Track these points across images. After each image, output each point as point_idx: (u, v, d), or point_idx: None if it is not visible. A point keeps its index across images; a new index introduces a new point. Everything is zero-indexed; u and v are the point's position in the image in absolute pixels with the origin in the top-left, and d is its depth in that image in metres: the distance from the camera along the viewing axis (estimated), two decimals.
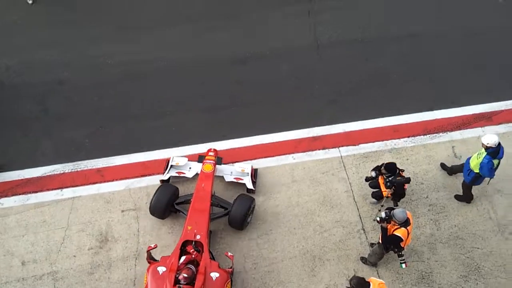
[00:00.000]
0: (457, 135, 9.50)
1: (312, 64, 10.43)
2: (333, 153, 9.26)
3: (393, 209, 7.21)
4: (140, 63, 10.36)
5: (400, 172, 7.98)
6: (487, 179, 8.09)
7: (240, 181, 8.65)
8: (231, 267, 7.46)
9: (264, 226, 8.47)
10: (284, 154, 9.23)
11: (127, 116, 9.73)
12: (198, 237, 7.49)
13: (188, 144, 9.36)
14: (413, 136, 9.47)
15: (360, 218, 8.52)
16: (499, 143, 7.72)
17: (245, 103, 9.90)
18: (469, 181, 8.19)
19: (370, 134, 9.49)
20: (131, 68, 10.28)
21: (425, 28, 10.95)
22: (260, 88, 10.10)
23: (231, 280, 7.36)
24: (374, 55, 10.55)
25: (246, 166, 8.79)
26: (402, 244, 7.20)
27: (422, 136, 9.47)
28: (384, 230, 7.15)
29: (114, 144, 9.35)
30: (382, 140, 9.41)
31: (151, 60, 10.42)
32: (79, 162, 9.18)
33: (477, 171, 7.88)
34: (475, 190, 8.63)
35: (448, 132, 9.51)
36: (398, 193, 7.99)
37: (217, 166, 8.56)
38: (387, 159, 9.04)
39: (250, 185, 8.59)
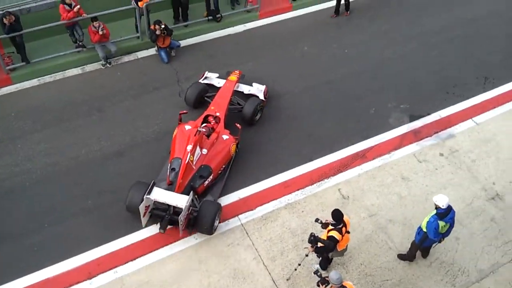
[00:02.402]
0: (339, 177, 10.06)
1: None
2: (233, 223, 9.16)
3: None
4: (6, 178, 9.53)
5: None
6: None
7: (255, 94, 11.05)
8: (238, 135, 9.88)
9: None
10: (184, 238, 8.90)
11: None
12: (217, 113, 10.07)
13: (76, 254, 8.53)
14: (303, 188, 9.83)
15: (274, 281, 8.42)
16: (450, 207, 7.82)
17: None
18: (418, 240, 8.29)
19: (264, 195, 9.65)
20: None
21: (290, 85, 11.80)
22: (144, 175, 9.73)
23: (238, 145, 9.94)
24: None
25: (261, 86, 11.20)
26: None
27: (310, 186, 9.87)
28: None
29: None
30: (276, 198, 9.60)
31: (18, 172, 9.64)
32: None
33: (425, 230, 8.03)
34: (370, 223, 9.17)
35: (331, 177, 10.06)
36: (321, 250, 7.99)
37: (239, 82, 11.11)
38: (284, 216, 9.26)
39: (262, 96, 10.97)
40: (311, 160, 10.34)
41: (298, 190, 9.80)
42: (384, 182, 10.02)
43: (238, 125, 9.94)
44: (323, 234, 7.81)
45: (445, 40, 13.46)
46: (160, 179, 9.11)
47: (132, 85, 11.59)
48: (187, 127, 9.63)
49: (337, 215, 7.62)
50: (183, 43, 12.65)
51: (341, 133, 10.91)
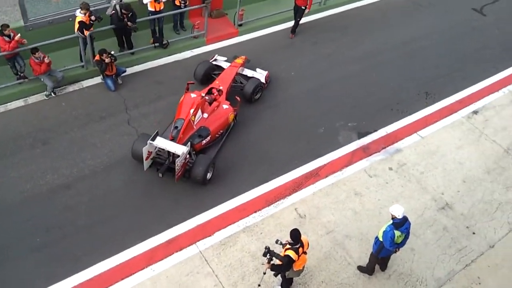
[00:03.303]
0: (295, 197, 10.11)
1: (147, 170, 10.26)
2: (191, 251, 8.92)
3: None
4: None
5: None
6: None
7: (257, 76, 12.22)
8: (237, 106, 11.18)
9: None
10: (140, 270, 8.57)
11: None
12: (221, 87, 11.34)
13: None
14: (260, 210, 9.78)
15: None
16: (406, 218, 7.98)
17: (80, 227, 9.06)
18: (375, 250, 8.39)
19: (221, 220, 9.50)
20: None
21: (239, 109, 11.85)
22: (93, 208, 9.42)
23: (236, 115, 11.23)
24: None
25: (264, 71, 12.48)
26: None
27: (267, 208, 9.84)
28: None
29: None
30: (234, 222, 9.47)
31: None
32: None
33: (382, 239, 8.13)
34: (328, 240, 9.22)
35: (287, 197, 10.09)
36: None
37: (244, 67, 12.40)
38: (243, 239, 9.14)
39: (263, 80, 12.15)
40: (266, 181, 10.33)
41: (255, 212, 9.73)
42: (338, 199, 10.16)
43: (238, 97, 11.36)
44: (281, 253, 7.76)
45: (386, 60, 14.06)
46: (165, 136, 10.05)
47: (78, 115, 11.22)
48: (193, 95, 10.80)
49: (295, 234, 7.60)
50: (130, 70, 12.46)
51: (294, 153, 11.02)
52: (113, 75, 11.85)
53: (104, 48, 11.46)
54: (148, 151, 9.68)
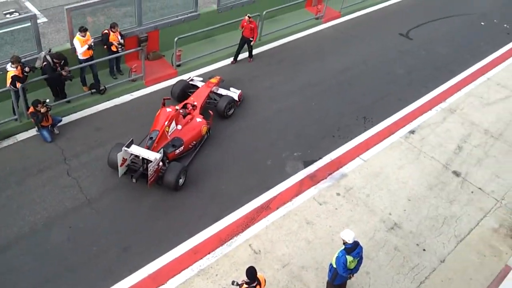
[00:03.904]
0: (248, 233, 10.01)
1: (89, 220, 9.84)
2: None
3: None
4: None
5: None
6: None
7: (230, 94, 13.01)
8: (210, 119, 12.02)
9: None
10: None
11: None
12: (195, 103, 12.19)
13: None
14: (213, 250, 9.58)
15: None
16: (357, 243, 8.07)
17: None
18: (330, 278, 8.36)
19: (174, 266, 9.19)
20: None
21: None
22: (36, 268, 8.88)
23: (209, 128, 12.01)
24: (155, 190, 10.62)
25: (237, 90, 13.30)
26: None
27: (221, 247, 9.66)
28: None
29: None
30: (188, 267, 9.20)
31: None
32: None
33: (335, 266, 8.14)
34: (284, 274, 9.12)
35: (240, 234, 9.96)
36: None
37: (219, 86, 13.25)
38: (198, 283, 8.89)
39: (236, 98, 12.97)
40: (217, 220, 10.18)
41: (208, 253, 9.52)
42: (291, 230, 10.16)
43: (210, 111, 12.23)
44: None
45: (324, 89, 14.49)
46: (140, 146, 10.59)
47: (14, 171, 10.66)
48: (168, 109, 11.47)
49: (251, 272, 7.50)
50: (67, 119, 12.08)
51: (243, 188, 10.97)
52: (49, 126, 11.44)
53: (38, 99, 11.08)
54: (123, 158, 10.23)
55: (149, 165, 9.98)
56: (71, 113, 12.34)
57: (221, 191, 10.86)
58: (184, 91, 13.04)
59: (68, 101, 12.43)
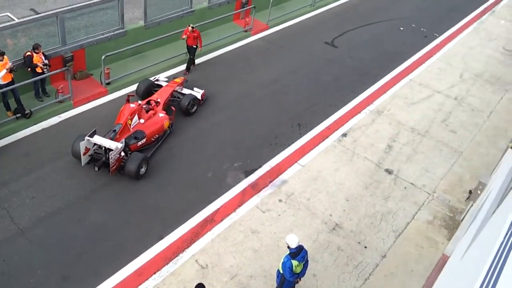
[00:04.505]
0: (194, 248, 9.89)
1: (23, 251, 9.27)
2: None
3: None
4: None
5: None
6: None
7: (193, 94, 13.63)
8: (172, 114, 12.72)
9: None
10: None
11: None
12: (158, 100, 12.78)
13: None
14: (159, 270, 9.35)
15: None
16: (302, 247, 8.20)
17: None
18: (278, 284, 8.39)
19: None
20: None
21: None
22: None
23: (171, 124, 12.67)
24: (91, 214, 10.19)
25: (200, 90, 13.91)
26: None
27: (166, 266, 9.45)
28: None
29: None
30: None
31: None
32: None
33: (282, 271, 8.19)
34: (233, 286, 9.07)
35: (186, 250, 9.82)
36: None
37: (183, 86, 13.96)
38: None
39: (199, 97, 13.66)
40: (161, 238, 9.98)
41: (154, 273, 9.28)
42: (237, 241, 10.15)
43: (173, 107, 12.93)
44: None
45: (258, 99, 14.69)
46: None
47: None
48: (132, 105, 12.00)
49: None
50: None
51: (186, 203, 10.84)
52: None
53: None
54: (86, 147, 10.89)
55: (110, 153, 10.58)
56: None
57: (163, 208, 10.66)
58: (149, 89, 13.61)
59: None
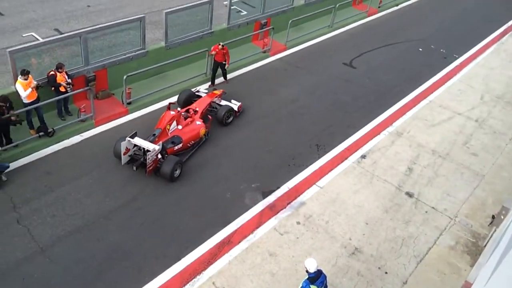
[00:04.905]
0: (211, 270, 9.83)
1: (43, 270, 9.32)
2: None
3: None
4: None
5: None
6: None
7: (230, 105, 14.24)
8: (209, 123, 13.50)
9: None
10: None
11: None
12: (197, 109, 13.47)
13: None
14: None
15: None
16: (320, 271, 8.12)
17: None
18: None
19: None
20: None
21: (137, 187, 11.45)
22: None
23: (207, 132, 13.34)
24: (109, 234, 10.24)
25: (237, 102, 14.49)
26: None
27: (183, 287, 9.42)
28: None
29: None
30: None
31: None
32: None
33: None
34: None
35: (203, 272, 9.76)
36: None
37: (221, 98, 14.59)
38: None
39: (236, 108, 14.25)
40: (178, 259, 9.94)
41: None
42: (255, 263, 10.06)
43: (209, 116, 13.80)
44: None
45: (275, 121, 14.68)
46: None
47: None
48: (172, 112, 12.85)
49: None
50: (15, 164, 11.55)
51: (203, 224, 10.82)
52: None
53: None
54: (126, 148, 11.66)
55: (147, 154, 11.23)
56: (19, 158, 11.82)
57: (180, 229, 10.65)
58: (189, 99, 14.32)
59: (16, 146, 11.91)
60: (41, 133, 12.35)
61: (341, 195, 12.14)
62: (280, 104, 15.52)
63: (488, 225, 11.45)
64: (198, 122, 13.06)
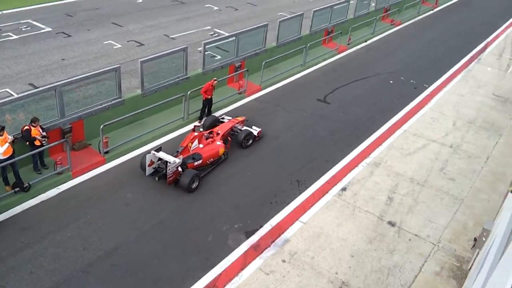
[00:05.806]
0: None
1: None
2: None
3: None
4: None
5: None
6: None
7: (250, 130, 15.53)
8: (228, 144, 14.87)
9: None
10: None
11: None
12: (219, 131, 14.94)
13: None
14: None
15: None
16: None
17: None
18: None
19: None
20: None
21: (118, 236, 11.24)
22: None
23: (226, 152, 14.66)
24: (89, 286, 9.94)
25: (257, 128, 15.72)
26: None
27: None
28: None
29: None
30: None
31: None
32: None
33: None
34: None
35: None
36: None
37: (243, 124, 15.91)
38: None
39: (255, 133, 15.52)
40: None
41: None
42: None
43: (229, 138, 15.10)
44: None
45: (255, 158, 14.80)
46: None
47: None
48: (195, 133, 14.37)
49: None
50: None
51: (186, 270, 10.61)
52: None
53: None
54: (151, 160, 13.08)
55: (168, 165, 12.54)
56: None
57: (163, 278, 10.41)
58: (214, 124, 15.75)
59: None
60: (16, 189, 12.16)
61: (325, 229, 12.11)
62: (259, 141, 15.65)
63: (471, 248, 11.50)
64: (218, 143, 14.40)
